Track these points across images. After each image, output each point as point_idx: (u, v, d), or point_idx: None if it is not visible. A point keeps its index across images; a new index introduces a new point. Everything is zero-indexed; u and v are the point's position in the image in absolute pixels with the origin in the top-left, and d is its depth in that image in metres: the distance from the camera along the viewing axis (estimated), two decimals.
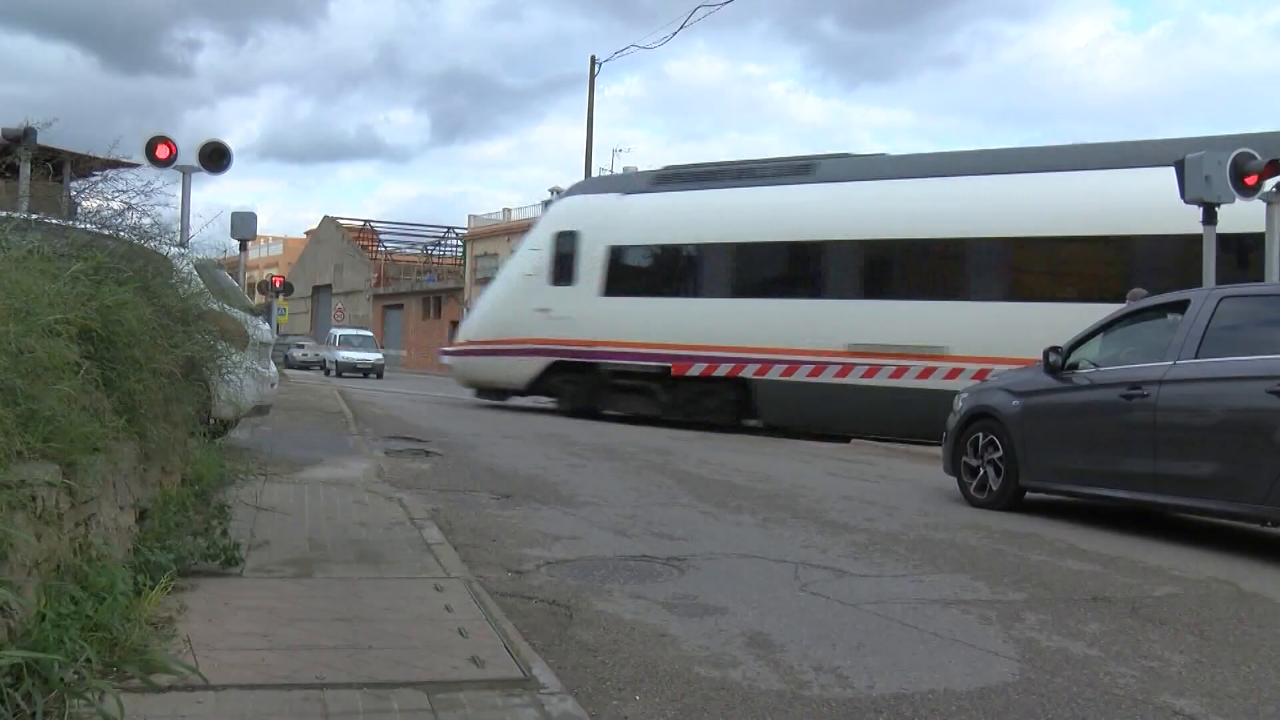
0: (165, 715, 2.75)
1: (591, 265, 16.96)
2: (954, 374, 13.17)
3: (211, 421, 7.29)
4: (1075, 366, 7.48)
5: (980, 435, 8.01)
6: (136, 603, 3.41)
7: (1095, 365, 7.37)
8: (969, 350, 13.21)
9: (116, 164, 8.56)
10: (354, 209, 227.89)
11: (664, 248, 16.93)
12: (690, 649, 3.81)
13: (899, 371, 13.87)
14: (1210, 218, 9.70)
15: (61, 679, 2.56)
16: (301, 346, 43.24)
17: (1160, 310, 7.38)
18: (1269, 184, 9.53)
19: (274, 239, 70.79)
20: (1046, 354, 7.63)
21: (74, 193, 8.53)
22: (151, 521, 4.72)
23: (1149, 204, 11.74)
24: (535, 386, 17.70)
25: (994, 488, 7.79)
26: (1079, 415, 7.33)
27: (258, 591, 4.17)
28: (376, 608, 3.99)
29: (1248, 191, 9.55)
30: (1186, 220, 10.38)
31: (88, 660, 2.74)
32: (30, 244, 4.25)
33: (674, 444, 12.44)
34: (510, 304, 18.08)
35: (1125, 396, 6.80)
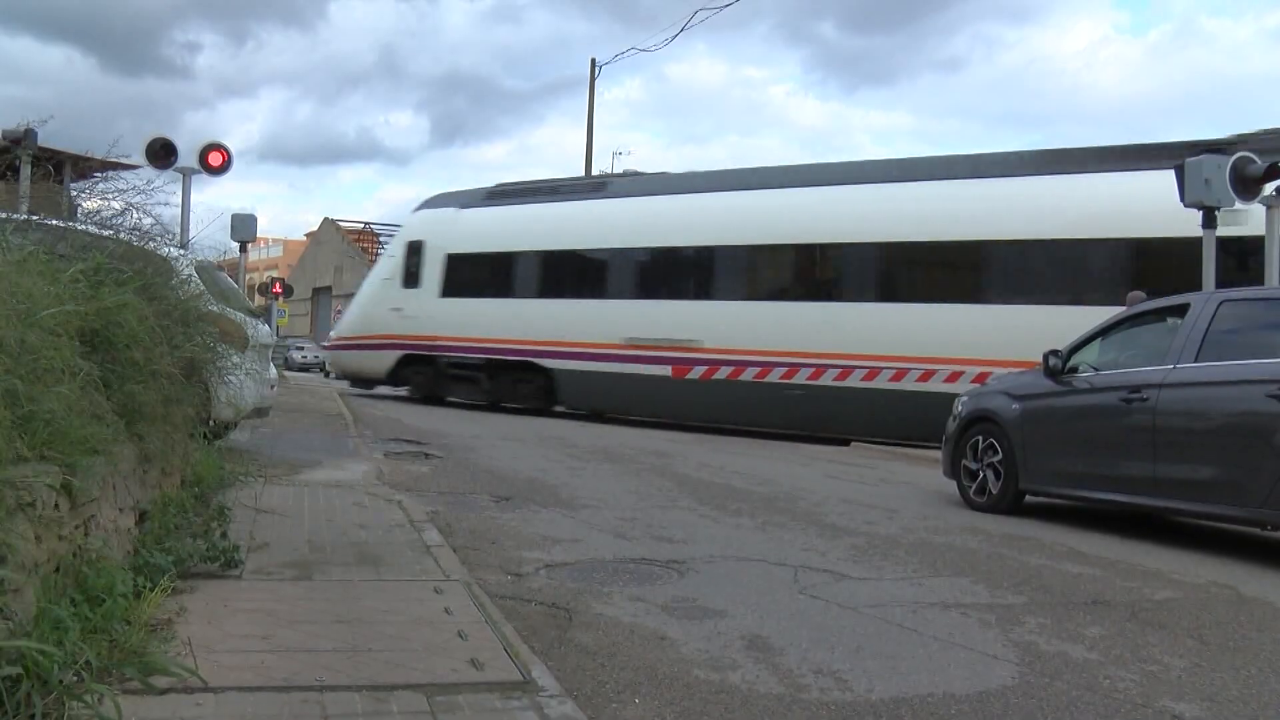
0: (164, 717, 2.75)
1: (433, 270, 19.21)
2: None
3: (211, 423, 7.28)
4: (1075, 370, 7.49)
5: (980, 439, 8.01)
6: (136, 605, 3.41)
7: (1095, 369, 7.37)
8: (716, 343, 15.31)
9: (116, 165, 8.55)
10: (354, 211, 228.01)
11: (487, 255, 18.97)
12: (689, 652, 3.81)
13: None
14: (1210, 221, 9.70)
15: (60, 681, 2.55)
16: (301, 348, 43.12)
17: (1159, 314, 7.38)
18: (1269, 188, 9.53)
19: (274, 241, 70.74)
20: (1046, 357, 7.63)
21: (74, 193, 8.52)
22: (151, 523, 4.72)
23: (844, 214, 14.57)
24: (392, 377, 19.94)
25: (993, 491, 7.79)
26: (1079, 419, 7.32)
27: (257, 594, 4.17)
28: (376, 610, 3.98)
29: (1248, 195, 9.54)
30: (868, 231, 14.19)
31: (87, 662, 2.73)
32: (30, 245, 4.24)
33: (674, 446, 12.44)
34: (372, 304, 20.47)
35: (1125, 400, 6.80)
